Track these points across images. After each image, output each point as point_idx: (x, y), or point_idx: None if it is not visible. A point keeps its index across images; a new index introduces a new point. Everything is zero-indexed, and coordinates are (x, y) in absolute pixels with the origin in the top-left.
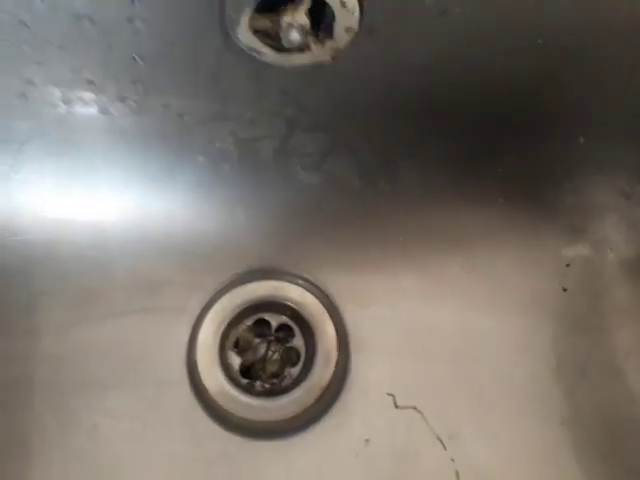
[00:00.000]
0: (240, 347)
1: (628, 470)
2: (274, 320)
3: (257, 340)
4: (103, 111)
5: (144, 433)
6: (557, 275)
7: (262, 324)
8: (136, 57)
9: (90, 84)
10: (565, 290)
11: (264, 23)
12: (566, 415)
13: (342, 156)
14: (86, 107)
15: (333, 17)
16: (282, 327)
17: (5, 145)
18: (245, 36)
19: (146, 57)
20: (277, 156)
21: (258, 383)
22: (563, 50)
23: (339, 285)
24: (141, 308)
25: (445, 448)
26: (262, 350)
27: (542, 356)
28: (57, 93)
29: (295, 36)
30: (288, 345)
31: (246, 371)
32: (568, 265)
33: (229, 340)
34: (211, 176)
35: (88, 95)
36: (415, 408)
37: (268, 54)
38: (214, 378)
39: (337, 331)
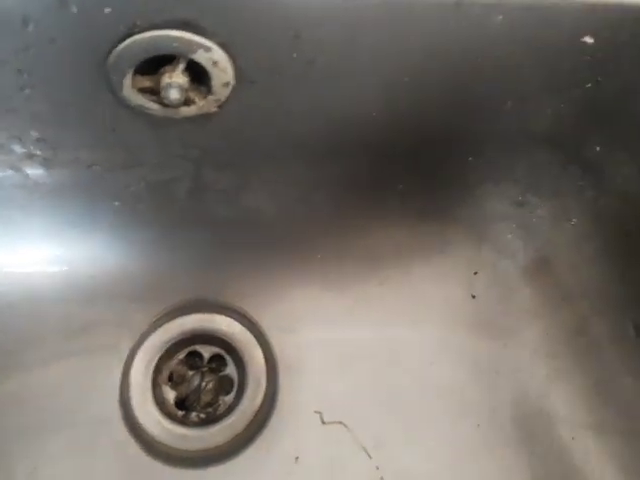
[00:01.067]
0: (174, 380)
1: (543, 463)
2: (206, 351)
3: (190, 372)
4: (14, 168)
5: (82, 472)
6: (466, 283)
7: (194, 356)
8: (34, 119)
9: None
10: (474, 297)
11: (146, 83)
12: (483, 415)
13: (254, 189)
14: None
15: (209, 75)
16: (214, 357)
17: None
18: (131, 95)
19: (44, 118)
20: (191, 195)
21: (194, 414)
22: (438, 83)
23: (264, 312)
24: (73, 351)
25: (370, 457)
26: (196, 381)
27: (458, 361)
28: None
29: (175, 94)
30: (221, 374)
31: (181, 403)
32: (476, 273)
33: (162, 375)
34: (129, 218)
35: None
36: (341, 422)
37: (156, 109)
38: (148, 413)
39: (265, 357)
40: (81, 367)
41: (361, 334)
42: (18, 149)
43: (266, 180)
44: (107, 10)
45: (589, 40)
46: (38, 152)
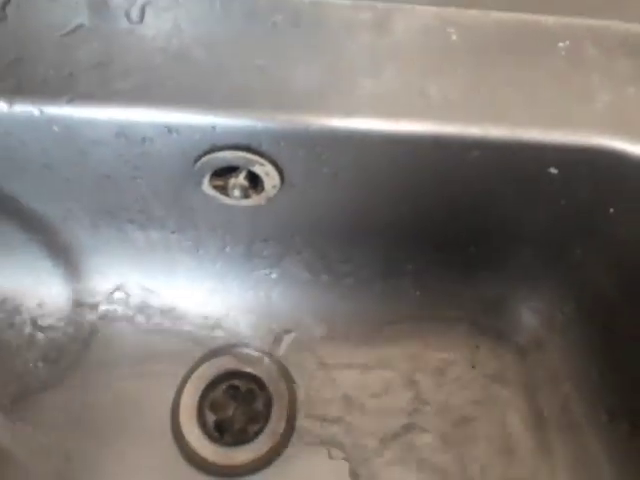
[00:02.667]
0: (214, 407)
1: None
2: (242, 385)
3: (228, 402)
4: (119, 229)
5: (133, 470)
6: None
7: (233, 388)
8: (138, 197)
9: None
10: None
11: (219, 183)
12: None
13: (292, 259)
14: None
15: (262, 180)
16: (248, 391)
17: None
18: (208, 189)
19: (146, 197)
20: (244, 257)
21: (227, 435)
22: (432, 200)
23: (293, 358)
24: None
25: None
26: (231, 410)
27: None
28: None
29: (237, 193)
30: (252, 406)
31: (219, 426)
32: (477, 347)
33: (206, 401)
34: (197, 269)
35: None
36: (346, 460)
37: (224, 199)
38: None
39: (289, 395)
40: (143, 387)
41: (370, 378)
42: (124, 215)
43: (300, 252)
44: (196, 136)
45: (554, 171)
46: (137, 219)
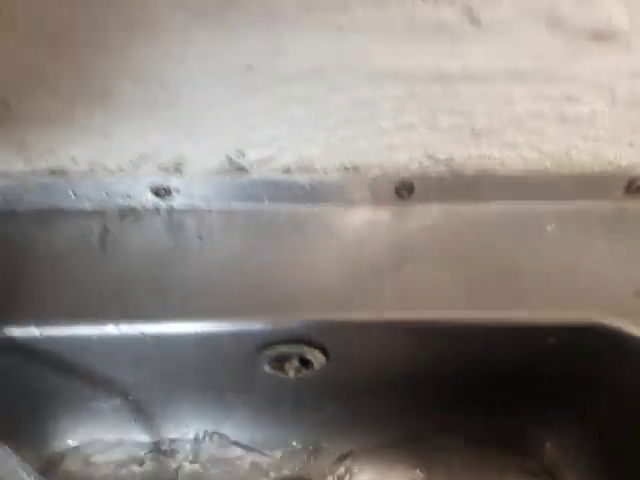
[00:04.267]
0: None
1: None
2: None
3: None
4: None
5: None
6: None
7: None
8: (212, 377)
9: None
10: None
11: (276, 366)
12: None
13: (331, 407)
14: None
15: (312, 362)
16: None
17: None
18: (267, 369)
19: (219, 377)
20: (293, 410)
21: None
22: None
23: None
24: None
25: None
26: None
27: None
28: None
29: (292, 373)
30: None
31: None
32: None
33: None
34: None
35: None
36: None
37: (281, 376)
38: None
39: None
40: None
41: None
42: (198, 385)
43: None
44: (260, 337)
45: (552, 339)
46: (210, 388)
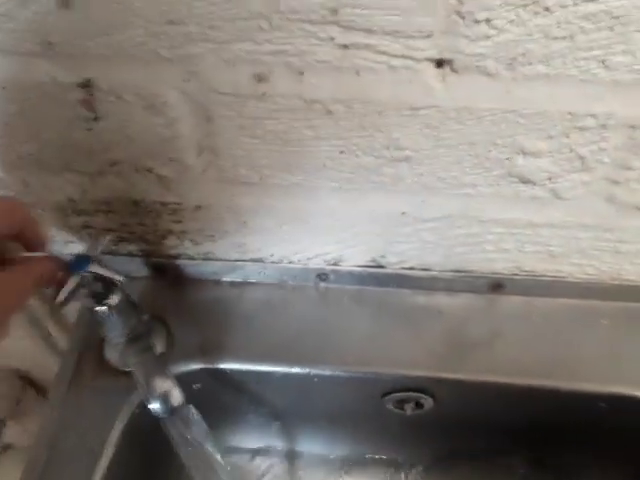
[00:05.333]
0: None
1: None
2: None
3: None
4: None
5: None
6: None
7: None
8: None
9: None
10: None
11: (398, 405)
12: None
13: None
14: None
15: (423, 405)
16: None
17: None
18: (389, 407)
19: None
20: (405, 436)
21: None
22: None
23: None
24: None
25: None
26: None
27: None
28: None
29: (409, 410)
30: None
31: None
32: None
33: None
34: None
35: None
36: None
37: (401, 413)
38: None
39: None
40: None
41: None
42: (330, 419)
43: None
44: (387, 385)
45: (603, 404)
46: (344, 426)
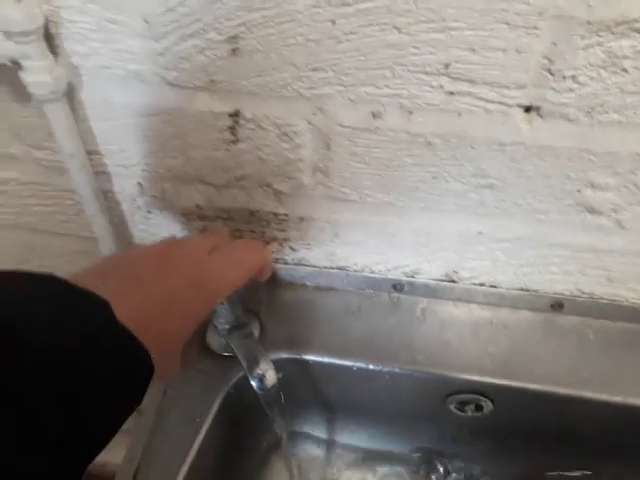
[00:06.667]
0: None
1: None
2: None
3: None
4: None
5: None
6: None
7: None
8: (404, 415)
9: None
10: None
11: (459, 407)
12: None
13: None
14: None
15: (484, 407)
16: None
17: None
18: (453, 409)
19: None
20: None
21: None
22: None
23: None
24: None
25: None
26: None
27: None
28: None
29: (470, 413)
30: None
31: None
32: None
33: None
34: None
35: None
36: None
37: (461, 414)
38: None
39: None
40: None
41: None
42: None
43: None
44: (452, 387)
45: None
46: (404, 426)
